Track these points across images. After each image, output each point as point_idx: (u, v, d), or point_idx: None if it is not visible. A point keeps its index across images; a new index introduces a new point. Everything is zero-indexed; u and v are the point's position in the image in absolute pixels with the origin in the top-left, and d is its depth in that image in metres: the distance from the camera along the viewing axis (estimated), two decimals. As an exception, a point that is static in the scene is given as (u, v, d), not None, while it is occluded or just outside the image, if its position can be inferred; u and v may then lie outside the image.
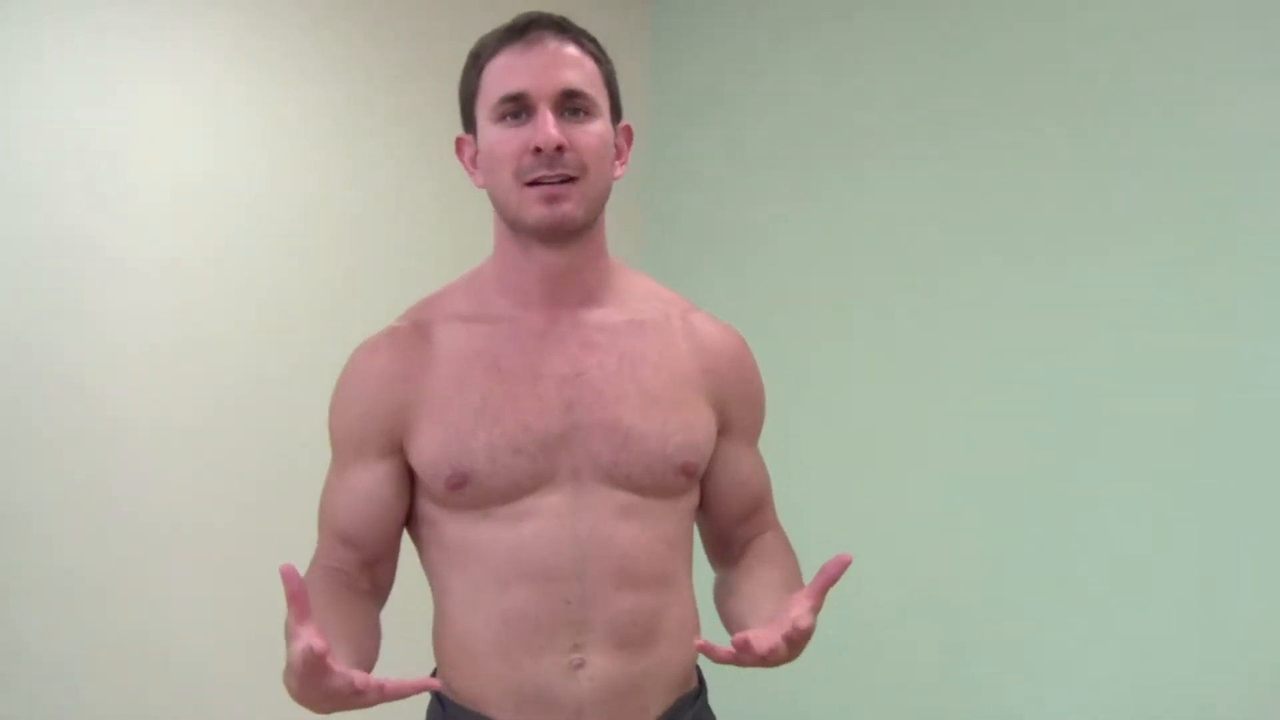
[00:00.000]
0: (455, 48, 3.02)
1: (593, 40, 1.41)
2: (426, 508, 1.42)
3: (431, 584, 1.46)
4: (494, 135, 1.35)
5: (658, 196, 3.42)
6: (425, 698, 1.49)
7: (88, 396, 2.56)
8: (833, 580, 1.21)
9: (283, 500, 2.74)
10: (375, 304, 2.90)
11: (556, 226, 1.34)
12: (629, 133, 1.46)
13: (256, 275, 2.80)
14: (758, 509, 1.56)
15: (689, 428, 1.41)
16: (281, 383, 2.80)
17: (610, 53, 1.48)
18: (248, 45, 2.82)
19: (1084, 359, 2.45)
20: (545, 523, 1.36)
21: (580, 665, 1.35)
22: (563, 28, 1.38)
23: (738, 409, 1.49)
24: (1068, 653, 2.43)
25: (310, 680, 1.13)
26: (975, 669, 2.59)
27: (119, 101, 2.64)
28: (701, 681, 1.50)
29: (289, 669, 1.15)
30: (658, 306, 1.47)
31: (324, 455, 1.47)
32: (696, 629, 1.46)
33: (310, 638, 1.11)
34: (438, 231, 3.06)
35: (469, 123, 1.42)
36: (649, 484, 1.40)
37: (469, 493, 1.36)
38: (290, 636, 1.14)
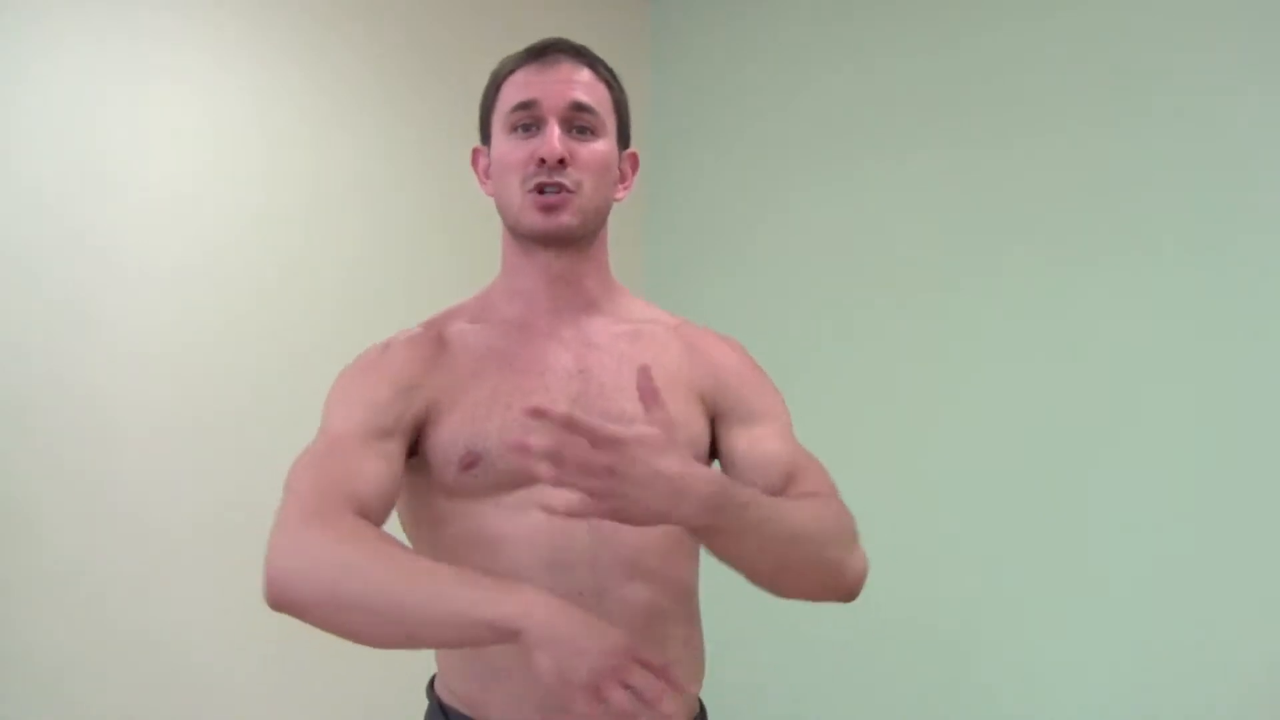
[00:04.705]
0: (459, 47, 3.05)
1: (608, 69, 1.50)
2: (436, 504, 1.41)
3: None
4: (505, 145, 1.45)
5: (658, 200, 3.42)
6: (422, 705, 1.46)
7: (87, 398, 2.55)
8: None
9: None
10: (376, 306, 2.91)
11: (552, 233, 1.43)
12: (634, 160, 1.53)
13: (256, 277, 2.79)
14: (790, 481, 1.49)
15: (686, 423, 1.44)
16: (282, 384, 2.79)
17: (611, 56, 1.54)
18: (249, 46, 2.82)
19: (1087, 360, 2.45)
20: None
21: None
22: (579, 53, 1.48)
23: (733, 393, 1.51)
24: (1068, 655, 2.44)
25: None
26: (975, 673, 2.59)
27: (118, 103, 2.63)
28: (703, 709, 1.49)
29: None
30: (654, 323, 1.54)
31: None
32: (701, 666, 1.47)
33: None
34: (440, 232, 3.05)
35: (485, 136, 1.51)
36: None
37: (480, 475, 1.37)
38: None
